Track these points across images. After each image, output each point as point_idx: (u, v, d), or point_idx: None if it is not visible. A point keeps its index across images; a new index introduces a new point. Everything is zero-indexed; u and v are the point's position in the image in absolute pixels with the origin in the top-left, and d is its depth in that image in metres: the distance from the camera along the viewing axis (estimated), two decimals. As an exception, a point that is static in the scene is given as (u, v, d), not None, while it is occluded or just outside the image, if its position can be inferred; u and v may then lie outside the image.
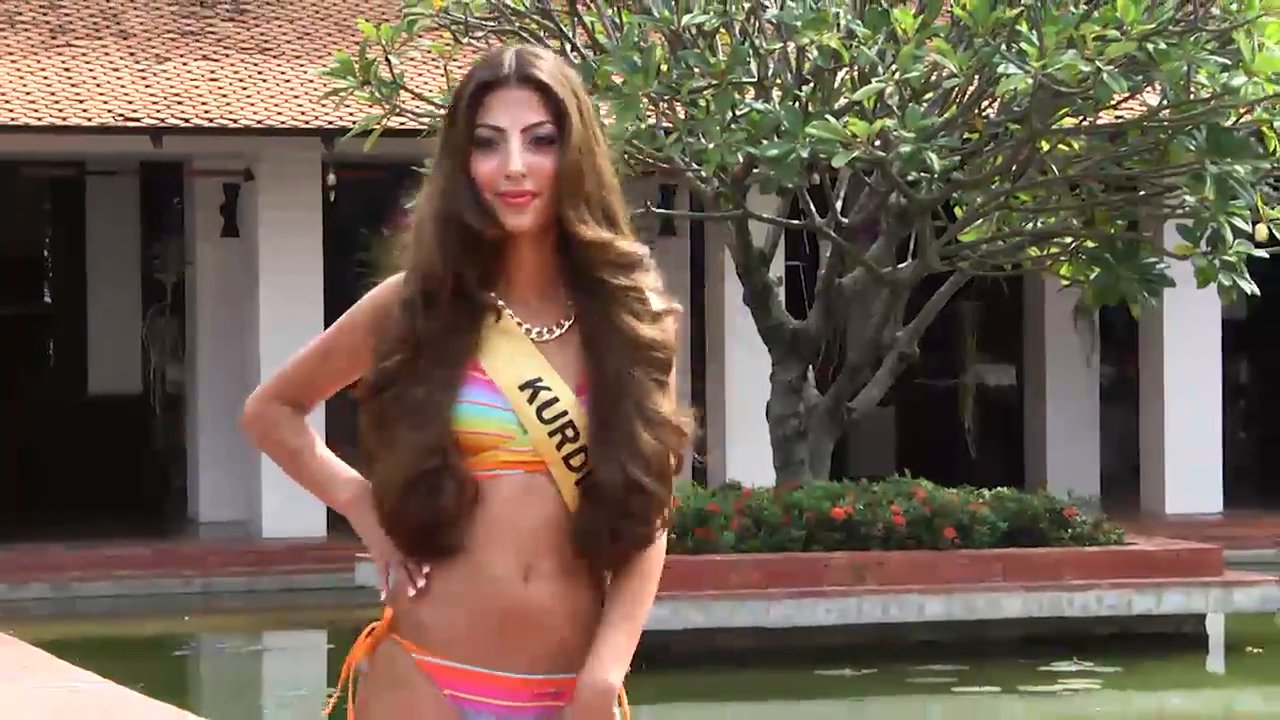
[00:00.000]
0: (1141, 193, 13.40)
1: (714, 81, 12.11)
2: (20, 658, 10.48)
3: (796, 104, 12.35)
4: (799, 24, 12.05)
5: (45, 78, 17.85)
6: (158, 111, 17.40)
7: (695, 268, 20.00)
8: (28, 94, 17.45)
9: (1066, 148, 13.23)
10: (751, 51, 12.59)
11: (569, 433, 3.10)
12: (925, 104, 12.44)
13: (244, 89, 18.04)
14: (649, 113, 12.63)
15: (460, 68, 13.14)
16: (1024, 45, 11.65)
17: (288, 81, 18.24)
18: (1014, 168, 13.16)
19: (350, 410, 3.22)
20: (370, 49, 12.82)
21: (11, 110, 17.10)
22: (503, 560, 3.09)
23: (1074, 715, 11.95)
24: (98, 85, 17.79)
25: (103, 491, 19.78)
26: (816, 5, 12.18)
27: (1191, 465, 19.31)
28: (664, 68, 12.25)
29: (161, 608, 16.28)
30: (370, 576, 12.55)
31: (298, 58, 18.63)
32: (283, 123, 17.44)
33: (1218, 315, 19.09)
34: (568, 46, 13.28)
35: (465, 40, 13.14)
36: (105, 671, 9.95)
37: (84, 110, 17.27)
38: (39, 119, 17.01)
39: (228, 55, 18.63)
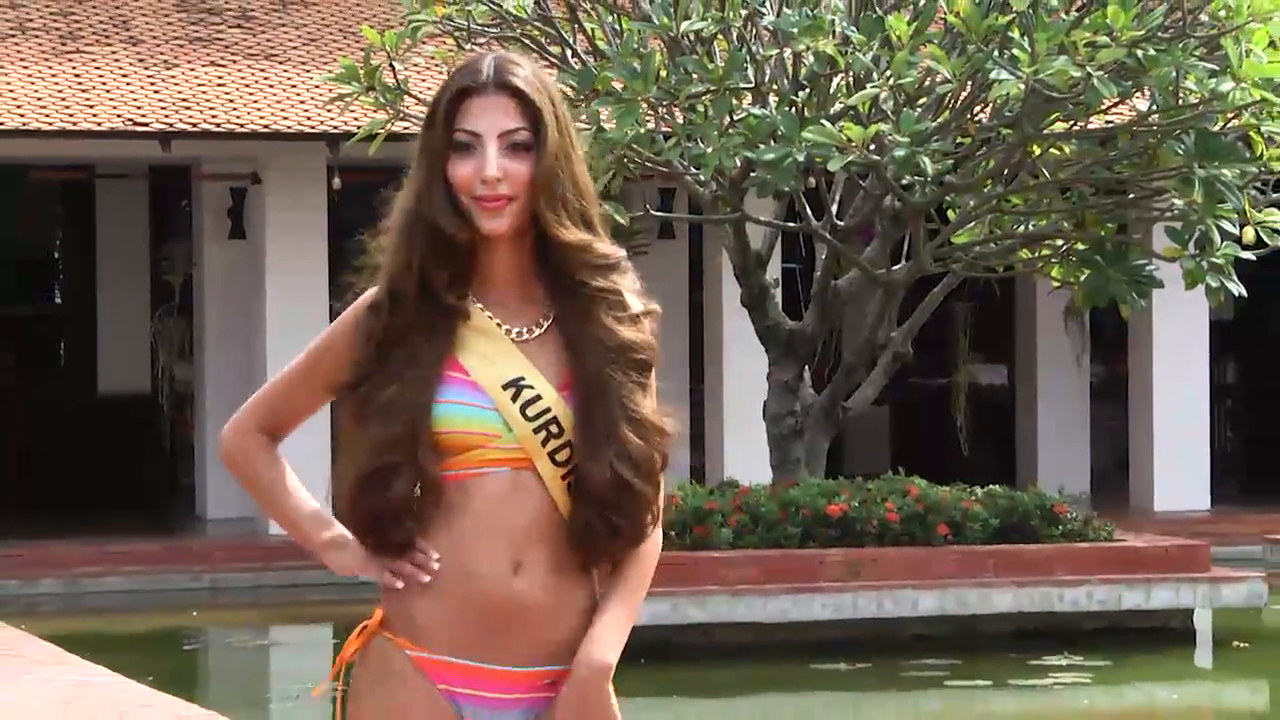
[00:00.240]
0: (1131, 196, 13.34)
1: (712, 87, 12.07)
2: (31, 652, 10.47)
3: (793, 109, 12.31)
4: (795, 30, 12.03)
5: (56, 83, 17.86)
6: (166, 116, 17.40)
7: (694, 270, 20.00)
8: (39, 99, 17.48)
9: (1057, 152, 13.21)
10: (749, 58, 12.57)
11: (553, 429, 3.12)
12: (919, 109, 12.38)
13: (251, 94, 18.05)
14: (648, 118, 12.59)
15: (463, 73, 13.18)
16: (1016, 51, 11.62)
17: (293, 87, 18.25)
18: (1006, 171, 13.13)
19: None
20: (375, 55, 12.77)
21: (23, 115, 17.10)
22: (492, 556, 3.10)
23: (1064, 708, 11.96)
24: (107, 91, 17.81)
25: (112, 489, 19.74)
26: (812, 12, 12.15)
27: (1179, 463, 19.29)
28: (663, 73, 12.20)
29: (169, 603, 16.27)
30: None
31: (303, 64, 18.62)
32: (289, 127, 17.46)
33: (1205, 316, 19.06)
34: (569, 53, 13.27)
35: (468, 46, 13.02)
36: (114, 665, 10.02)
37: (94, 115, 17.28)
38: (50, 123, 17.01)
39: (235, 61, 18.61)
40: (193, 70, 18.41)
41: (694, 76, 12.17)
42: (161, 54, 18.67)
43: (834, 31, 12.25)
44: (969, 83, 12.39)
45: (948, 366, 21.52)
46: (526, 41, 13.26)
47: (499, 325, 3.15)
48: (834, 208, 13.59)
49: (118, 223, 20.85)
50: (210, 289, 19.48)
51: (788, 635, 12.98)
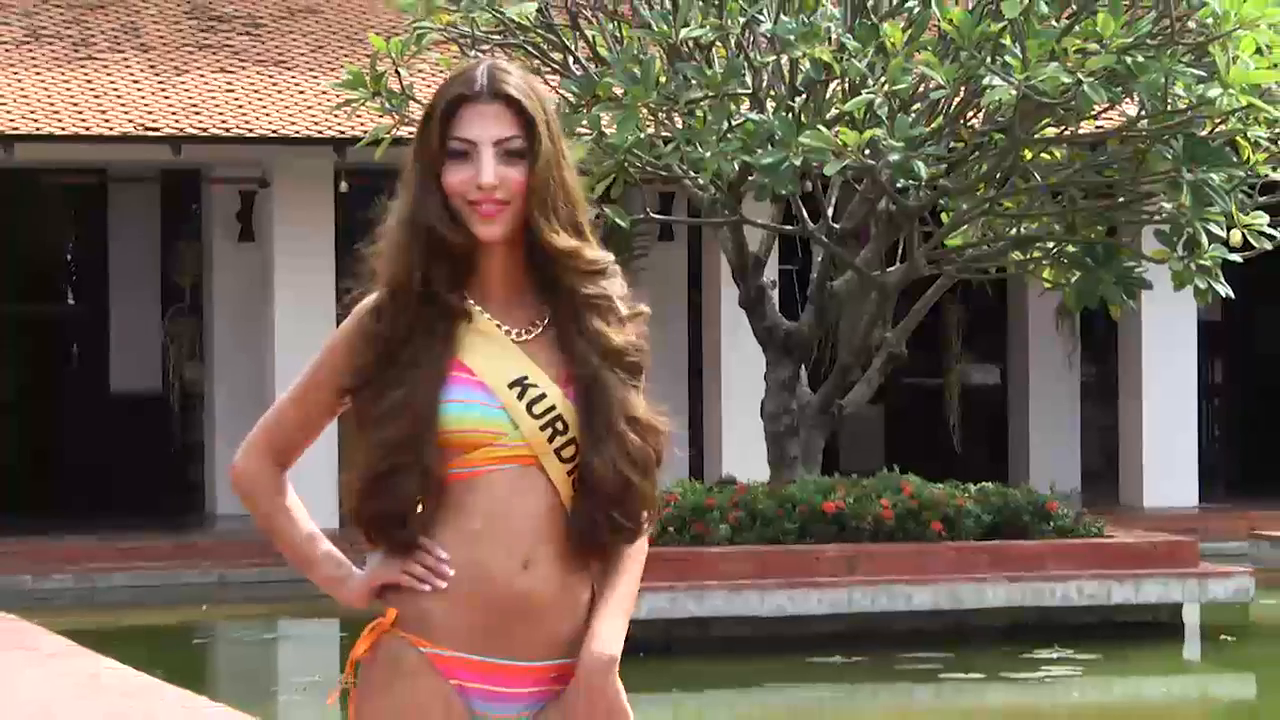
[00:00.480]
0: (1120, 200, 13.32)
1: (710, 93, 12.08)
2: (44, 645, 10.61)
3: (790, 114, 12.28)
4: (792, 37, 12.04)
5: (69, 89, 17.91)
6: (177, 121, 17.43)
7: (692, 271, 20.01)
8: (52, 105, 17.53)
9: (1049, 156, 13.23)
10: (746, 64, 12.58)
11: (559, 426, 3.14)
12: (913, 114, 12.33)
13: (260, 100, 18.10)
14: (648, 123, 12.58)
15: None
16: (1008, 58, 11.65)
17: (301, 93, 18.29)
18: (998, 175, 13.14)
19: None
20: (381, 62, 12.78)
21: (37, 120, 17.15)
22: (502, 552, 3.12)
23: (1056, 701, 11.94)
24: (119, 96, 17.85)
25: (123, 486, 19.80)
26: (809, 19, 12.15)
27: (1168, 460, 19.33)
28: (662, 80, 12.21)
29: (179, 598, 16.28)
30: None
31: (311, 70, 18.66)
32: (297, 132, 17.49)
33: (1194, 317, 19.08)
34: (570, 59, 13.27)
35: (472, 53, 12.93)
36: (125, 658, 10.13)
37: (106, 120, 17.32)
38: (63, 129, 17.05)
39: (244, 68, 18.65)
40: (203, 76, 18.44)
41: (693, 82, 12.17)
42: (172, 60, 18.71)
43: (830, 38, 12.28)
44: (962, 89, 12.39)
45: (941, 366, 21.48)
46: (529, 48, 13.27)
47: (498, 326, 3.17)
48: (830, 211, 13.59)
49: (129, 226, 20.86)
50: (220, 291, 19.53)
51: (784, 630, 13.00)
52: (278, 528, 3.26)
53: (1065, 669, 12.52)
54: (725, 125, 12.15)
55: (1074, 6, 12.29)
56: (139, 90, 18.11)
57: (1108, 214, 13.60)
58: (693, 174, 12.93)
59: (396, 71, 12.85)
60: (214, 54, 18.93)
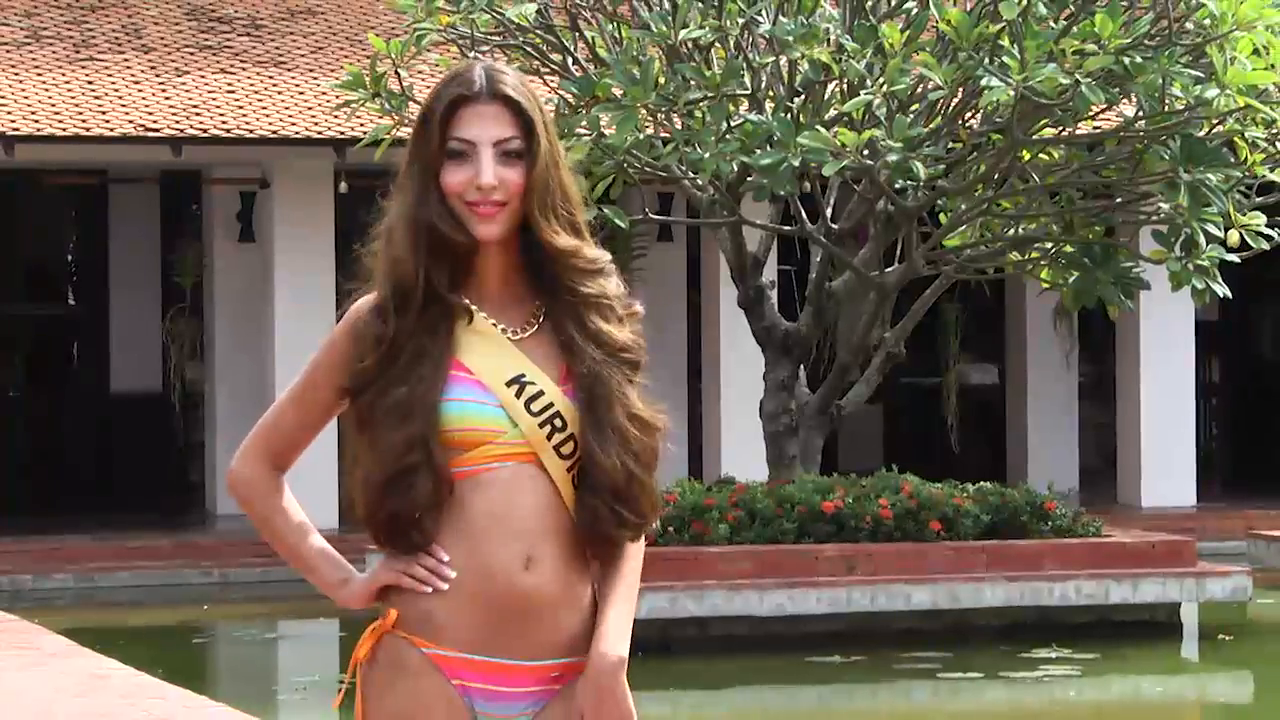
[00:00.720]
0: (1118, 200, 13.35)
1: (709, 94, 12.10)
2: (46, 644, 10.57)
3: (788, 115, 12.29)
4: (791, 38, 12.06)
5: (70, 90, 17.92)
6: (177, 122, 17.46)
7: (691, 271, 20.00)
8: (53, 106, 17.54)
9: (1046, 157, 13.24)
10: (745, 65, 12.60)
11: (557, 423, 3.15)
12: (911, 115, 12.35)
13: (260, 101, 18.11)
14: (647, 124, 12.58)
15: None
16: (1006, 59, 11.67)
17: (301, 94, 18.30)
18: (996, 176, 13.17)
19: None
20: (380, 63, 12.81)
21: (38, 121, 17.17)
22: (504, 551, 3.12)
23: (1053, 700, 11.94)
24: (120, 97, 17.87)
25: (124, 486, 19.86)
26: (808, 20, 12.16)
27: (1166, 460, 19.33)
28: (662, 80, 12.23)
29: (180, 597, 16.32)
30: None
31: (311, 71, 18.66)
32: (297, 133, 17.51)
33: (1191, 317, 19.11)
34: (570, 60, 13.28)
35: (471, 54, 12.85)
36: (126, 658, 10.13)
37: (107, 121, 17.34)
38: (64, 130, 17.07)
39: (244, 69, 18.67)
40: (203, 77, 18.46)
41: (692, 83, 12.21)
42: (173, 61, 18.72)
43: (829, 39, 12.29)
44: (960, 89, 12.41)
45: (939, 366, 21.46)
46: (529, 49, 13.29)
47: (495, 325, 3.17)
48: (828, 211, 13.62)
49: (130, 226, 20.89)
50: (220, 291, 19.55)
51: (783, 629, 13.03)
52: (276, 531, 3.26)
53: (1063, 668, 12.54)
54: (724, 126, 12.17)
55: (1072, 8, 12.31)
56: (139, 91, 18.12)
57: (1105, 214, 13.62)
58: (692, 174, 12.96)
59: (396, 72, 12.87)
60: (214, 55, 18.94)
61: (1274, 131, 12.52)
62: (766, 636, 13.04)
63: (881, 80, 11.89)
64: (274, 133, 17.56)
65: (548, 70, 13.51)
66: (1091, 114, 12.93)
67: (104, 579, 16.73)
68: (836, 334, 16.36)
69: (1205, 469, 20.08)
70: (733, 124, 12.23)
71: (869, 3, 12.95)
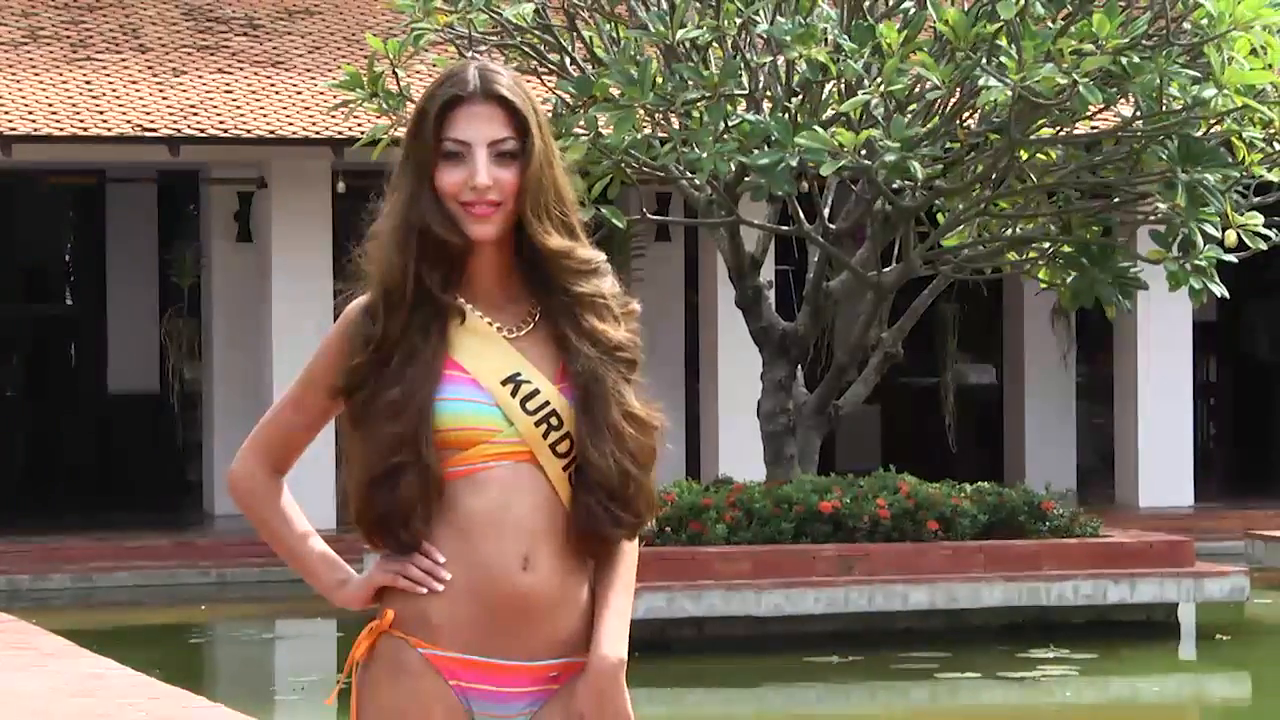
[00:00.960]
0: (1116, 200, 13.37)
1: (707, 94, 12.11)
2: (43, 645, 10.58)
3: (786, 115, 12.31)
4: (789, 38, 12.05)
5: (67, 90, 17.92)
6: (175, 122, 17.47)
7: (689, 272, 20.03)
8: (51, 106, 17.54)
9: (1044, 157, 13.26)
10: (743, 65, 12.60)
11: (553, 421, 3.14)
12: (909, 115, 12.38)
13: (257, 101, 18.13)
14: (645, 124, 12.56)
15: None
16: (1003, 59, 11.67)
17: (299, 93, 18.31)
18: (994, 176, 13.18)
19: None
20: (378, 62, 12.82)
21: (35, 121, 17.17)
22: (501, 550, 3.11)
23: (1051, 700, 11.96)
24: (117, 97, 17.87)
25: (122, 486, 19.88)
26: (805, 20, 12.17)
27: (1164, 460, 19.34)
28: (659, 80, 12.22)
29: (178, 597, 16.31)
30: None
31: (308, 71, 18.67)
32: (294, 133, 17.51)
33: (1189, 317, 19.13)
34: (567, 60, 13.28)
35: (469, 54, 12.73)
36: (124, 658, 10.12)
37: (104, 121, 17.34)
38: (61, 130, 17.07)
39: (242, 68, 18.67)
40: (200, 77, 18.47)
41: (689, 83, 12.22)
42: (170, 61, 18.73)
43: (826, 39, 12.30)
44: (958, 89, 12.42)
45: (937, 366, 21.49)
46: (526, 49, 13.30)
47: (490, 324, 3.18)
48: (826, 211, 13.63)
49: (127, 226, 20.92)
50: (218, 291, 19.56)
51: (781, 629, 13.04)
52: (274, 532, 3.27)
53: (1061, 668, 12.54)
54: (722, 126, 12.17)
55: (1069, 7, 12.33)
56: (137, 91, 18.14)
57: (1103, 214, 13.63)
58: (689, 174, 12.97)
59: (394, 72, 12.88)
60: (212, 55, 18.96)
61: (1271, 131, 12.54)
62: (764, 636, 13.06)
63: (879, 80, 11.90)
64: (271, 133, 17.57)
65: (545, 70, 13.53)
66: (1089, 114, 12.92)
67: (102, 579, 16.73)
68: (834, 334, 16.37)
69: (1203, 469, 20.07)
70: (730, 124, 12.24)
71: (866, 3, 12.96)
